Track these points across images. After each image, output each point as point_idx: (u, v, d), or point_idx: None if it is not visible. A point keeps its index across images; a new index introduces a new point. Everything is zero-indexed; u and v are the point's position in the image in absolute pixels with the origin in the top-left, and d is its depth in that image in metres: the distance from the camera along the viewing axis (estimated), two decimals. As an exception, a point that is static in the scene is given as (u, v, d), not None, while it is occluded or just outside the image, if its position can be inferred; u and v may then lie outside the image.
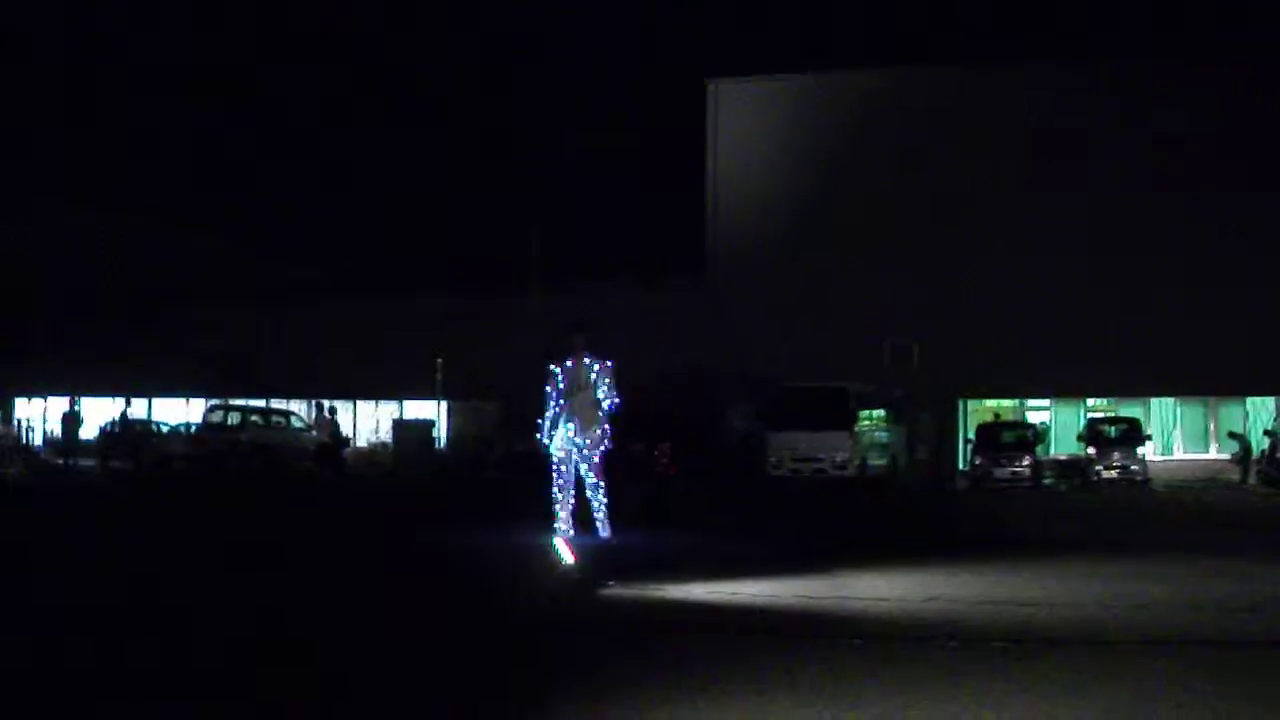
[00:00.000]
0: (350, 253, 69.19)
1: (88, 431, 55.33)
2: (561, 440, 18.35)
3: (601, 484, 18.35)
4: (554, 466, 18.48)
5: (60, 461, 49.81)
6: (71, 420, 50.32)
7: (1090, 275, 53.88)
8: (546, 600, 12.49)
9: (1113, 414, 53.42)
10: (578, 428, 18.27)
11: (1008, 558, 16.65)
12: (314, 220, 69.88)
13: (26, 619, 11.09)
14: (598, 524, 18.20)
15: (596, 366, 18.48)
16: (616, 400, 18.47)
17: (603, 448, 18.52)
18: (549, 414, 18.50)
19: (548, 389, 18.57)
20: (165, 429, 57.73)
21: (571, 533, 17.78)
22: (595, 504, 18.32)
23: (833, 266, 56.39)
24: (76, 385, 61.64)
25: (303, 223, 69.83)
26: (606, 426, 18.56)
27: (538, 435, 18.76)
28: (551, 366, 18.66)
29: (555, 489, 18.37)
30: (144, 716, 7.77)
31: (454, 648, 9.91)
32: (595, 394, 18.37)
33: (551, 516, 18.14)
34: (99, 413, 58.73)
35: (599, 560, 14.39)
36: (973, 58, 59.66)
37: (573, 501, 18.39)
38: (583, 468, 18.34)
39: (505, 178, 68.23)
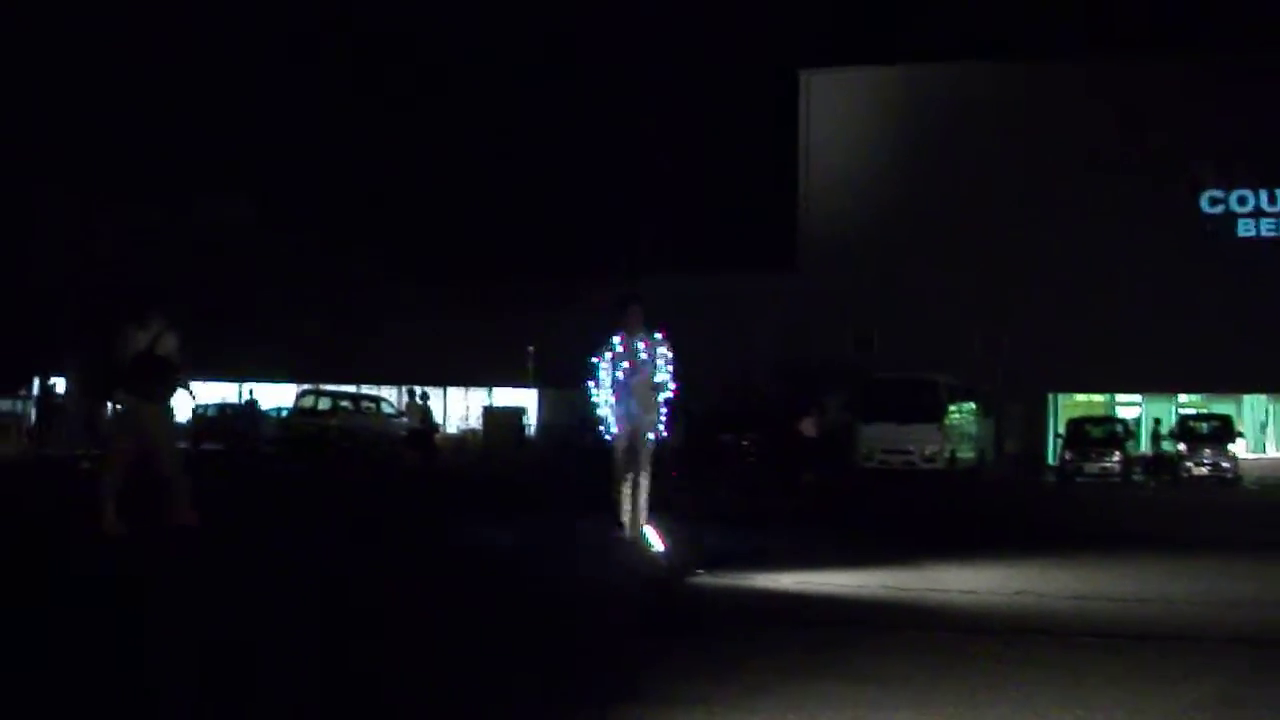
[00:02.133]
0: (445, 239, 69.46)
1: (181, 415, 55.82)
2: (622, 424, 16.05)
3: (647, 476, 16.08)
4: (613, 454, 16.27)
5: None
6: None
7: (1183, 269, 53.46)
8: (639, 588, 12.58)
9: (1204, 410, 52.98)
10: (635, 413, 16.02)
11: (1097, 552, 16.60)
12: (411, 206, 70.21)
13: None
14: (625, 517, 16.00)
15: (651, 344, 16.25)
16: (672, 385, 16.32)
17: (655, 435, 16.32)
18: (604, 395, 16.21)
19: (600, 367, 16.24)
20: (260, 409, 58.24)
21: (637, 527, 15.81)
22: (640, 498, 16.05)
23: (922, 257, 56.25)
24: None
25: (399, 208, 70.17)
26: (663, 412, 16.45)
27: (595, 419, 16.50)
28: (612, 342, 16.22)
29: (618, 479, 16.12)
30: None
31: (551, 636, 10.02)
32: (652, 375, 16.15)
33: (614, 509, 16.13)
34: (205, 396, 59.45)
35: (688, 549, 14.44)
36: (1065, 52, 59.22)
37: (641, 488, 16.08)
38: (633, 456, 16.04)
39: (601, 166, 68.24)
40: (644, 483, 15.98)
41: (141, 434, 15.14)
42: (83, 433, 48.65)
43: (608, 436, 16.26)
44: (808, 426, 37.82)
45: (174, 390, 15.67)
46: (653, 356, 16.17)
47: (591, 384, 16.33)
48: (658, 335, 16.24)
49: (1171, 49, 56.85)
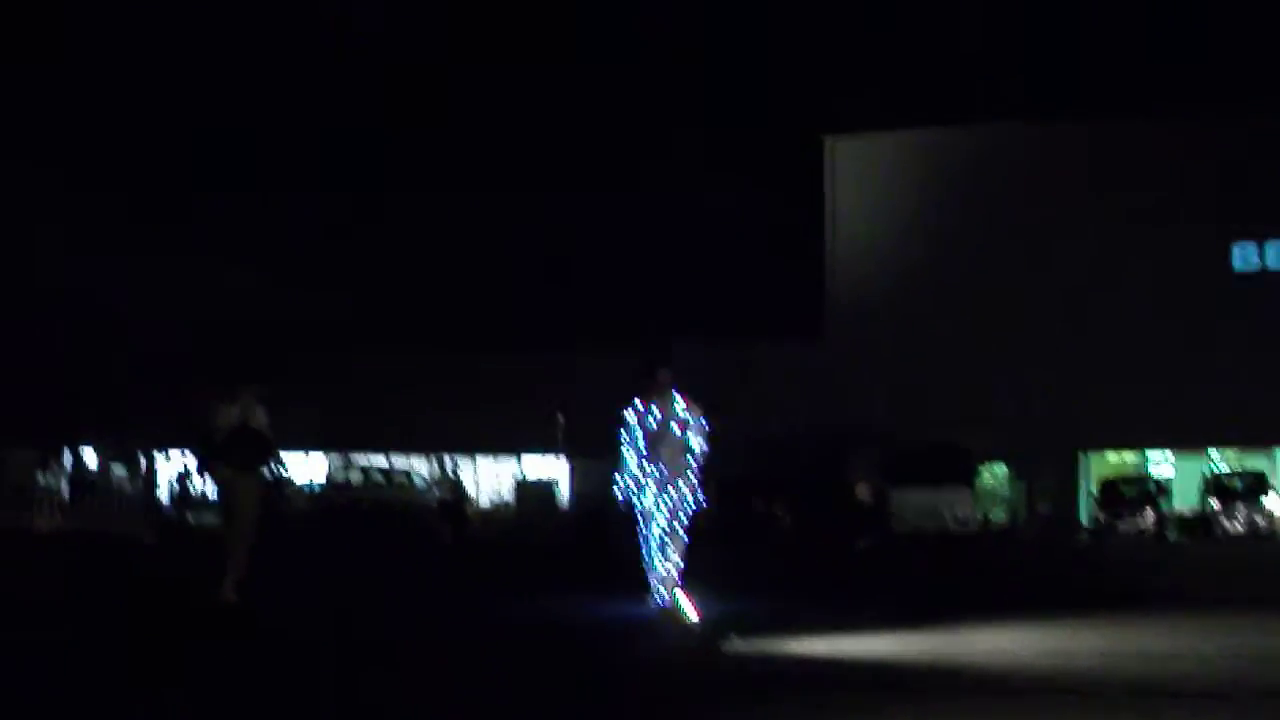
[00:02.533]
0: (472, 308, 69.74)
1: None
2: (648, 495, 15.49)
3: (682, 546, 15.54)
4: (640, 526, 15.72)
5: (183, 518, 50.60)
6: (185, 479, 51.35)
7: (1210, 325, 53.31)
8: (673, 657, 12.63)
9: (1238, 468, 52.72)
10: (666, 479, 15.49)
11: (1130, 612, 16.53)
12: (435, 276, 70.54)
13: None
14: (659, 588, 15.50)
15: (685, 407, 15.72)
16: (706, 449, 15.73)
17: (692, 505, 15.70)
18: (629, 464, 15.68)
19: (624, 435, 15.74)
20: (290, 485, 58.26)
21: (670, 595, 15.34)
22: (667, 566, 15.51)
23: (950, 319, 56.20)
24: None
25: (423, 278, 70.52)
26: (698, 479, 15.73)
27: (615, 490, 15.90)
28: (633, 408, 15.77)
29: (646, 552, 15.60)
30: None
31: (588, 706, 10.08)
32: (686, 440, 15.59)
33: (646, 584, 15.64)
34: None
35: (722, 617, 14.49)
36: (1086, 111, 59.34)
37: (678, 559, 15.52)
38: (665, 524, 15.53)
39: (625, 237, 68.55)
40: (678, 550, 15.46)
41: (233, 503, 16.12)
42: (136, 506, 48.82)
43: (635, 503, 15.70)
44: (862, 491, 37.90)
45: (267, 461, 16.79)
46: (685, 422, 15.63)
47: (623, 448, 15.76)
48: (685, 402, 15.72)
49: (1192, 105, 56.90)
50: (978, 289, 56.33)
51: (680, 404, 15.70)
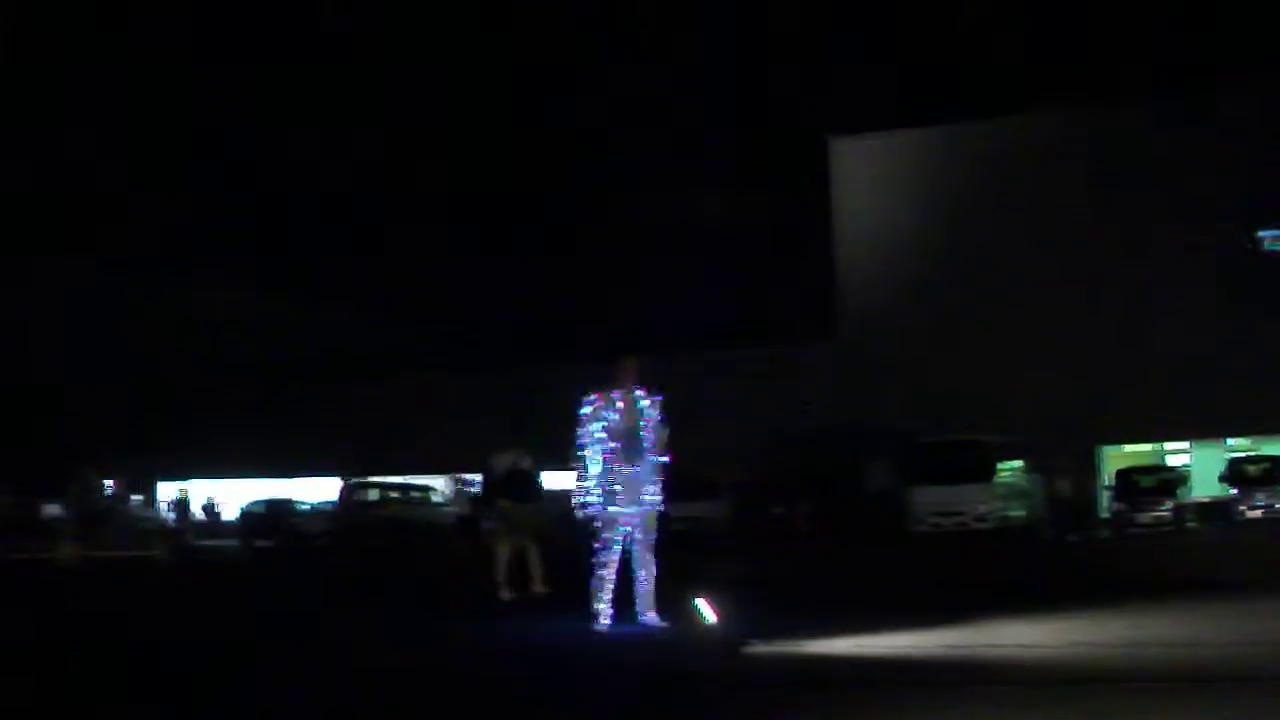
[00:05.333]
0: (483, 322, 69.89)
1: (229, 513, 56.65)
2: (619, 497, 14.48)
3: (653, 557, 14.66)
4: (600, 533, 14.63)
5: (203, 543, 50.86)
6: (183, 505, 51.93)
7: (1222, 312, 53.16)
8: (694, 662, 12.60)
9: (1255, 453, 52.58)
10: (636, 479, 14.54)
11: (1152, 601, 16.50)
12: (443, 291, 70.71)
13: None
14: (642, 606, 14.69)
15: (649, 403, 14.69)
16: (666, 456, 14.68)
17: (659, 508, 14.71)
18: (592, 464, 14.58)
19: (585, 432, 14.64)
20: (306, 507, 58.18)
21: (609, 620, 14.57)
22: (642, 579, 14.67)
23: (961, 317, 56.17)
24: (218, 467, 62.71)
25: (430, 294, 70.71)
26: (660, 481, 14.68)
27: (577, 493, 14.67)
28: (592, 400, 14.69)
29: (601, 562, 14.56)
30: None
31: (609, 710, 10.07)
32: (647, 438, 14.57)
33: (591, 598, 14.66)
34: (242, 494, 59.83)
35: (740, 619, 14.46)
36: (1091, 99, 59.20)
37: (615, 580, 14.59)
38: (634, 534, 14.62)
39: (632, 243, 68.64)
40: (649, 561, 14.64)
41: (516, 530, 20.64)
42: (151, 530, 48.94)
43: (591, 505, 14.61)
44: (1064, 487, 38.64)
45: (537, 495, 21.27)
46: (652, 415, 14.65)
47: (580, 444, 14.64)
48: (649, 397, 14.72)
49: (1200, 94, 56.71)
50: (989, 285, 56.29)
51: (643, 398, 14.70)
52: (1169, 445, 57.23)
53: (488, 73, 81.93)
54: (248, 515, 55.19)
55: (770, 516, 47.84)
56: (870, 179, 60.89)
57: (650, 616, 14.55)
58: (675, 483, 15.40)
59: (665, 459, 14.75)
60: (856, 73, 70.74)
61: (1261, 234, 52.95)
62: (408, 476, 58.55)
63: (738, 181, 69.78)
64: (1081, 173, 56.06)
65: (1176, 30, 65.35)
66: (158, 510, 58.32)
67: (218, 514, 52.71)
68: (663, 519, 14.86)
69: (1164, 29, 65.79)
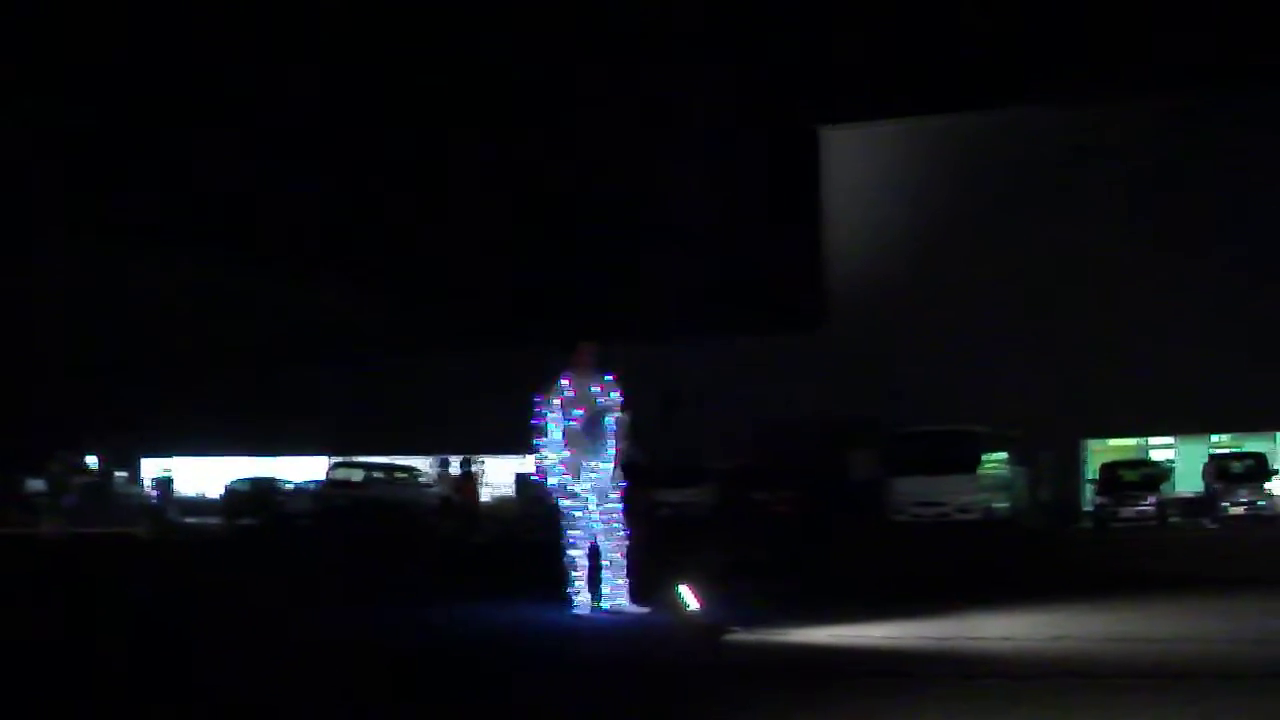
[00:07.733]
0: (475, 303, 69.90)
1: (214, 491, 56.60)
2: (584, 480, 14.43)
3: (622, 540, 14.56)
4: (568, 517, 14.63)
5: (186, 520, 50.92)
6: (165, 484, 51.83)
7: (1209, 309, 53.27)
8: (675, 649, 12.56)
9: (1238, 449, 52.65)
10: (598, 462, 14.49)
11: (1134, 596, 16.50)
12: (436, 271, 70.73)
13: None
14: (612, 593, 14.62)
15: (604, 388, 14.68)
16: (619, 445, 14.58)
17: (620, 492, 14.65)
18: (550, 447, 14.49)
19: (545, 415, 14.54)
20: (290, 486, 58.12)
21: (588, 606, 14.53)
22: (611, 565, 14.62)
23: (949, 308, 56.20)
24: (205, 445, 62.58)
25: (423, 274, 70.72)
26: (618, 466, 14.60)
27: (538, 474, 14.79)
28: (559, 382, 14.61)
29: (573, 546, 14.56)
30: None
31: (590, 698, 10.03)
32: (606, 423, 14.54)
33: (565, 583, 14.65)
34: (227, 473, 59.72)
35: (722, 607, 14.41)
36: (1081, 94, 59.23)
37: (588, 564, 14.57)
38: (598, 518, 14.58)
39: (622, 232, 68.67)
40: (620, 554, 14.54)
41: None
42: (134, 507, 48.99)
43: (554, 490, 14.62)
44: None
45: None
46: (610, 400, 14.59)
47: (537, 432, 14.58)
48: (609, 378, 14.70)
49: (1190, 88, 56.72)
50: (976, 275, 56.32)
51: (596, 388, 14.63)
52: (1154, 440, 57.36)
53: (487, 68, 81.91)
54: (232, 493, 55.22)
55: (753, 503, 47.89)
56: (860, 170, 60.89)
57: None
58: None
59: (618, 442, 14.57)
60: (847, 64, 70.81)
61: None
62: (393, 457, 58.56)
63: (726, 171, 69.76)
64: (1072, 166, 56.08)
65: (1170, 26, 65.44)
66: (142, 487, 58.09)
67: (170, 489, 51.93)
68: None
69: (1158, 23, 65.88)
